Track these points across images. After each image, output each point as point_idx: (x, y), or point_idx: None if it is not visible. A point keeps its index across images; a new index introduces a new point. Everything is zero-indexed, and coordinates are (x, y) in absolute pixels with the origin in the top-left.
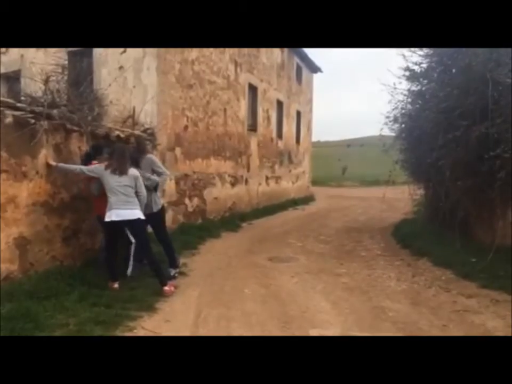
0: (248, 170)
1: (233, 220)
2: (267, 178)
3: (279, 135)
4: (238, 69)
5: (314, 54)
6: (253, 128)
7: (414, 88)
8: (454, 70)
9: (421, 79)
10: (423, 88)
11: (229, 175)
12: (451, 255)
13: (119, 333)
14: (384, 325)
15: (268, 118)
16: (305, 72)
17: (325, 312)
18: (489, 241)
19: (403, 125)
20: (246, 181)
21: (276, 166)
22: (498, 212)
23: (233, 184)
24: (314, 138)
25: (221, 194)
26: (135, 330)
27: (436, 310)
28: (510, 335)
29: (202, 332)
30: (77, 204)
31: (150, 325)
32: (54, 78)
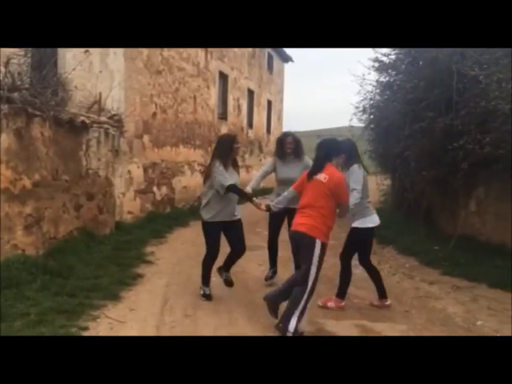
0: None
1: None
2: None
3: (250, 124)
4: (209, 56)
5: None
6: (223, 116)
7: (382, 79)
8: (421, 62)
9: (389, 70)
10: (391, 80)
11: (198, 164)
12: (415, 244)
13: (82, 322)
14: (348, 312)
15: (239, 107)
16: (276, 61)
17: None
18: (452, 230)
19: (371, 116)
20: None
21: (246, 155)
22: (461, 202)
23: (202, 173)
24: (285, 129)
25: (190, 183)
26: (98, 320)
27: (399, 296)
28: (469, 320)
29: (168, 320)
30: (39, 192)
31: (114, 314)
32: (15, 60)
